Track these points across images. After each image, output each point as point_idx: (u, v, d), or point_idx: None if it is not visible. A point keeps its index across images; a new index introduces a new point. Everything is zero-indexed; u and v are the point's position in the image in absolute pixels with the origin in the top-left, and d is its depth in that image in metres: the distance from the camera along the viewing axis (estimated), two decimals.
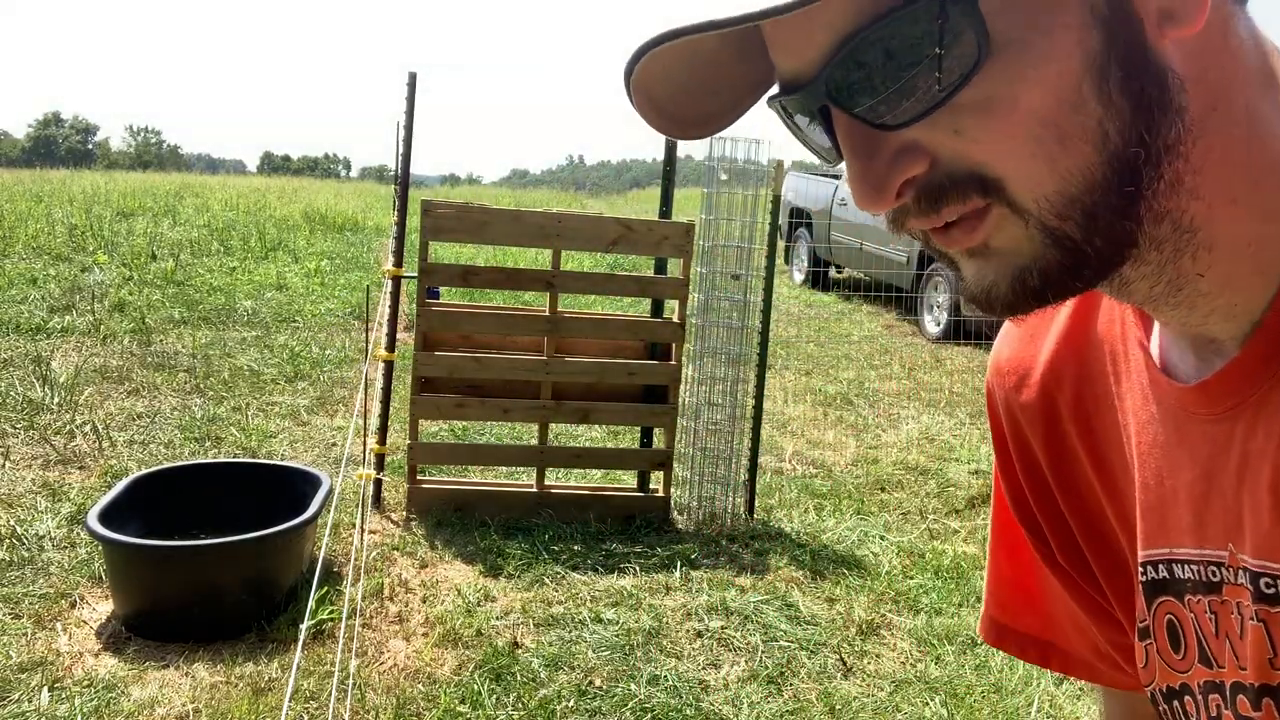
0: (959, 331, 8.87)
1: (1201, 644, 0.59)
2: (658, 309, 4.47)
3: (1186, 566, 0.59)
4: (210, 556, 3.14)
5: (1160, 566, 0.61)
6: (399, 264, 4.23)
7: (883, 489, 4.93)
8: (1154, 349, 0.60)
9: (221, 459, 4.54)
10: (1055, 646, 0.78)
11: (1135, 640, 0.66)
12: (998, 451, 0.76)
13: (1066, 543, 0.72)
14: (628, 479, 4.70)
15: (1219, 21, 0.46)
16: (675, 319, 4.31)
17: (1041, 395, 0.69)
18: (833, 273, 12.03)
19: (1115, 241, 0.47)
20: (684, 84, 0.52)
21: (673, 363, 4.31)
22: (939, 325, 9.16)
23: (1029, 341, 0.71)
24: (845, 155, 0.48)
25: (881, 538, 4.25)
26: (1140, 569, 0.63)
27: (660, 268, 4.46)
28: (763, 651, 3.24)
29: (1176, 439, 0.57)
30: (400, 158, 4.28)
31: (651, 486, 4.50)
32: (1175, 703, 0.62)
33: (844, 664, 3.19)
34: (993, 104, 0.44)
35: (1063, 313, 0.68)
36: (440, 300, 4.75)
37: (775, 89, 0.51)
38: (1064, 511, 0.70)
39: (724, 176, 4.27)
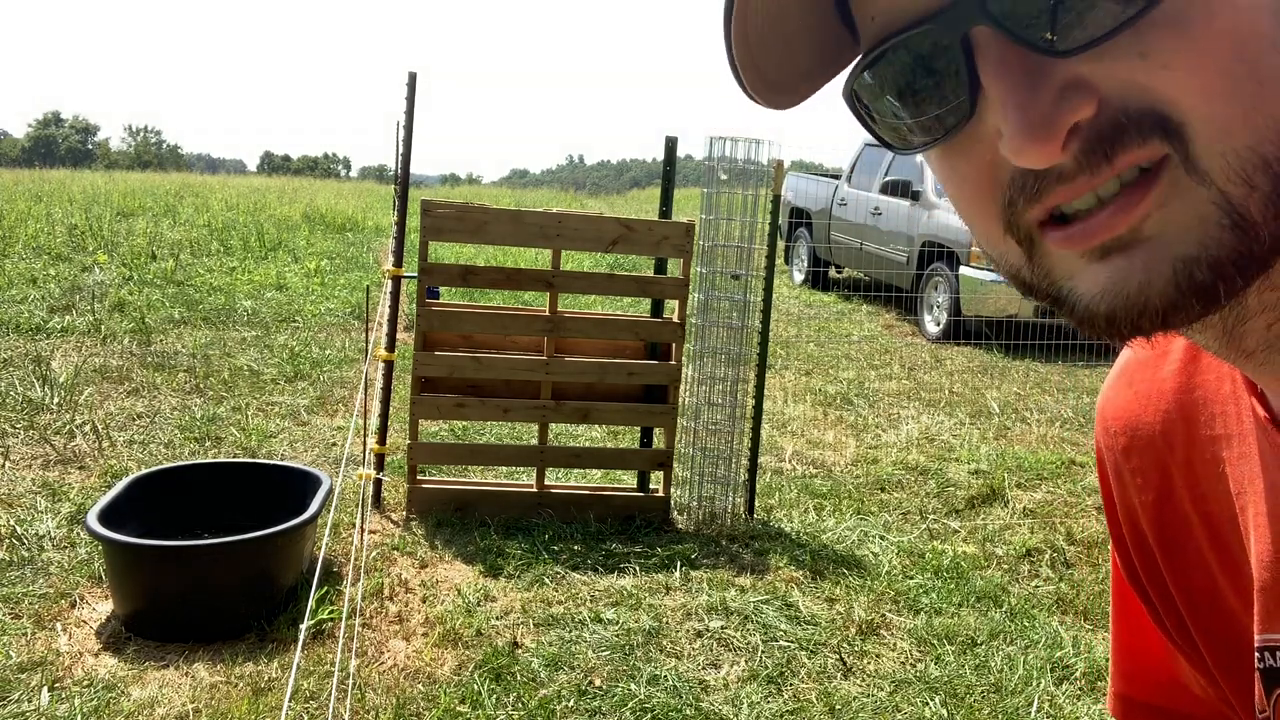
0: (959, 331, 8.87)
1: None
2: (658, 309, 4.47)
3: None
4: (210, 556, 3.14)
5: (1266, 654, 0.55)
6: (399, 264, 4.23)
7: (883, 489, 4.93)
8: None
9: (221, 459, 4.54)
10: (1185, 714, 0.72)
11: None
12: (1109, 517, 0.69)
13: (1175, 622, 0.65)
14: (628, 479, 4.70)
15: None
16: (675, 319, 4.31)
17: (1153, 459, 0.61)
18: (833, 273, 12.03)
19: None
20: (779, 40, 0.46)
21: (673, 363, 4.31)
22: (939, 325, 9.15)
23: (1132, 395, 0.62)
24: (999, 91, 0.40)
25: (881, 538, 4.25)
26: (1258, 654, 0.56)
27: (660, 268, 4.46)
28: (763, 651, 3.24)
29: None
30: (400, 158, 4.28)
31: (651, 486, 4.50)
32: None
33: (844, 664, 3.19)
34: (1189, 20, 0.38)
35: (1169, 362, 0.60)
36: (440, 300, 4.74)
37: (876, 41, 0.43)
38: (1170, 588, 0.64)
39: (724, 176, 4.27)
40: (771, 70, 0.47)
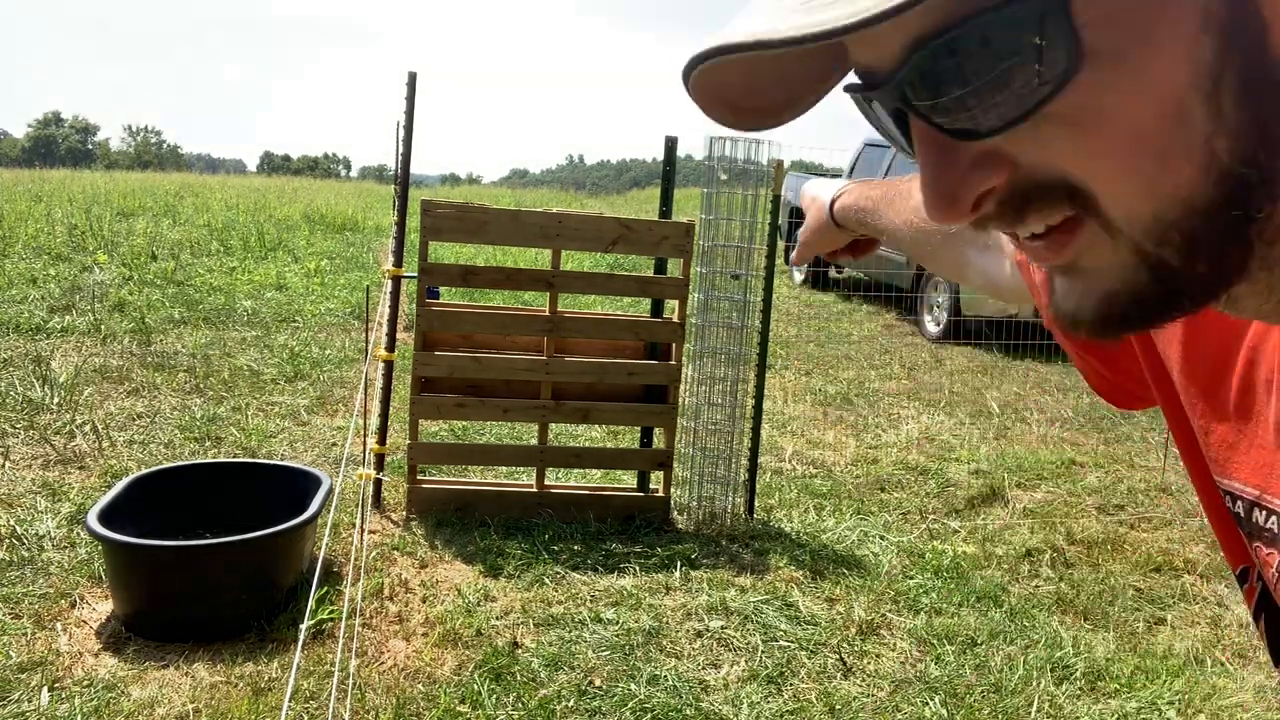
0: (959, 331, 8.87)
1: (1267, 590, 0.59)
2: (658, 309, 4.47)
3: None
4: (210, 556, 3.14)
5: (1227, 499, 0.61)
6: (399, 264, 4.23)
7: (883, 489, 4.93)
8: None
9: (221, 459, 4.54)
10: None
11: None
12: None
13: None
14: (628, 479, 4.70)
15: None
16: (675, 319, 4.31)
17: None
18: (833, 273, 12.03)
19: (1221, 267, 0.42)
20: (752, 74, 0.47)
21: (673, 363, 4.31)
22: (939, 325, 9.16)
23: None
24: (919, 162, 0.44)
25: (881, 538, 4.25)
26: (1229, 497, 0.62)
27: (660, 268, 4.46)
28: (763, 651, 3.24)
29: None
30: (400, 158, 4.28)
31: (651, 486, 4.50)
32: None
33: (844, 664, 3.19)
34: (1082, 117, 0.40)
35: None
36: (440, 300, 4.74)
37: (850, 78, 0.47)
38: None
39: (724, 176, 4.27)
40: (750, 103, 0.49)
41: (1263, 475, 0.58)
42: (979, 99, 0.40)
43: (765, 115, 0.49)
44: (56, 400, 5.39)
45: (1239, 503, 0.60)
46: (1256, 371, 0.58)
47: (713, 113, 0.48)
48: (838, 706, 2.95)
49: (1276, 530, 0.57)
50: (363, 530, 3.66)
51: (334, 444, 5.09)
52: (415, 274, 4.14)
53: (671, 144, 4.44)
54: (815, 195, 1.26)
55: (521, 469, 4.58)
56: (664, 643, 3.26)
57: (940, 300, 9.23)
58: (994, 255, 0.96)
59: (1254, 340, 0.59)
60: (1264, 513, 0.58)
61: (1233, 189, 0.40)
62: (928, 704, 2.99)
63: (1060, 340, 0.79)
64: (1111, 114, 0.39)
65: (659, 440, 4.47)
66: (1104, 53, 0.38)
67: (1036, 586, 3.88)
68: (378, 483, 4.22)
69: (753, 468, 4.46)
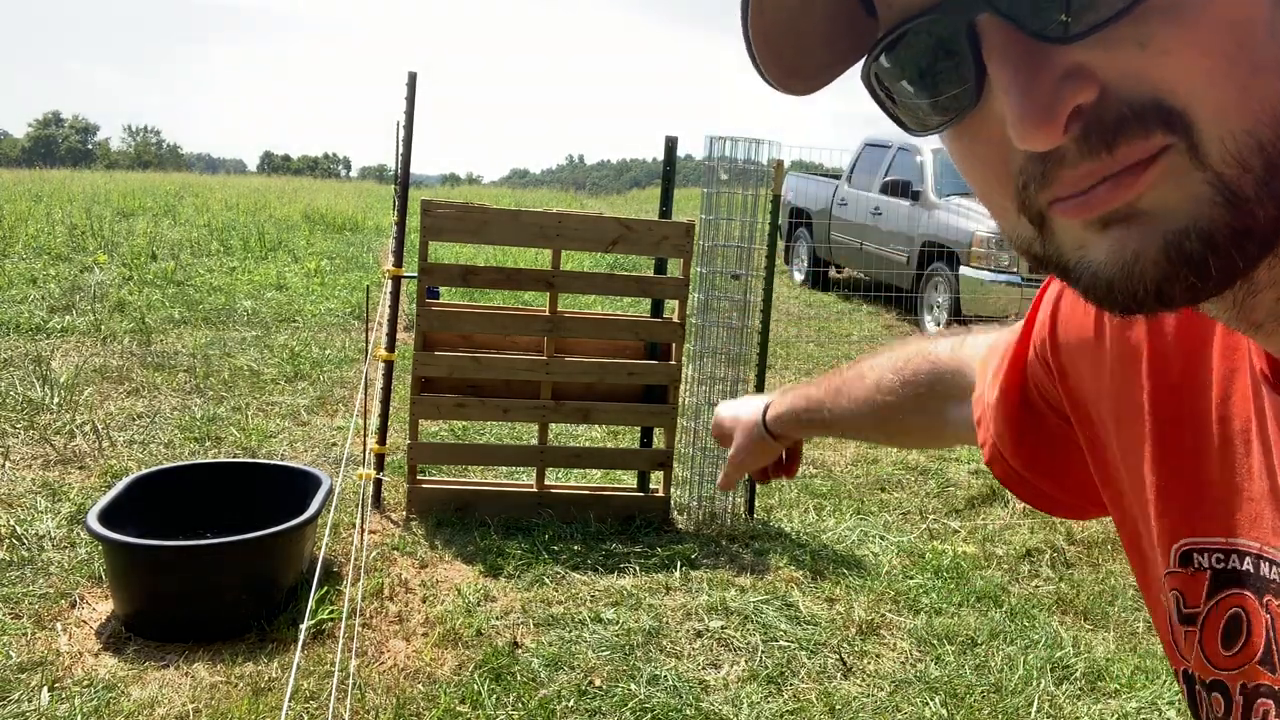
0: None
1: (1272, 647, 0.55)
2: (658, 309, 4.47)
3: (1273, 566, 0.55)
4: (210, 556, 3.14)
5: (1233, 557, 0.58)
6: (399, 264, 4.23)
7: (883, 489, 4.93)
8: None
9: (221, 459, 4.54)
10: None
11: (1170, 619, 0.63)
12: (1022, 343, 0.75)
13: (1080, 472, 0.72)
14: (628, 479, 4.70)
15: None
16: (675, 319, 4.31)
17: (1126, 350, 0.64)
18: (833, 273, 12.03)
19: None
20: (798, 30, 0.48)
21: (673, 363, 4.31)
22: (939, 325, 9.15)
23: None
24: (1002, 77, 0.41)
25: (881, 538, 4.25)
26: (1198, 553, 0.60)
27: (660, 268, 4.46)
28: (763, 651, 3.24)
29: None
30: (400, 158, 4.28)
31: (651, 486, 4.50)
32: (1209, 694, 0.59)
33: (844, 664, 3.19)
34: (1185, 6, 0.39)
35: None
36: (440, 300, 4.74)
37: (891, 26, 0.45)
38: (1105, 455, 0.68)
39: (724, 176, 4.27)
40: (793, 58, 0.49)
41: (1260, 529, 0.56)
42: None
43: (813, 76, 0.50)
44: (56, 400, 5.39)
45: (1246, 559, 0.57)
46: (1231, 427, 0.58)
47: (769, 71, 0.49)
48: (838, 706, 2.95)
49: None
50: (363, 530, 3.66)
51: (334, 444, 5.09)
52: (415, 274, 4.14)
53: (671, 144, 4.44)
54: (735, 415, 1.24)
55: (521, 469, 4.58)
56: (664, 643, 3.26)
57: (940, 300, 9.23)
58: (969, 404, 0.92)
59: (1219, 396, 0.58)
60: (1269, 565, 0.56)
61: None
62: (928, 704, 2.99)
63: (1001, 476, 0.82)
64: (1213, 3, 0.39)
65: (659, 440, 4.47)
66: None
67: (1036, 586, 3.88)
68: (378, 483, 4.22)
69: None
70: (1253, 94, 0.39)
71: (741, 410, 1.23)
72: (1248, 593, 0.56)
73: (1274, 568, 0.55)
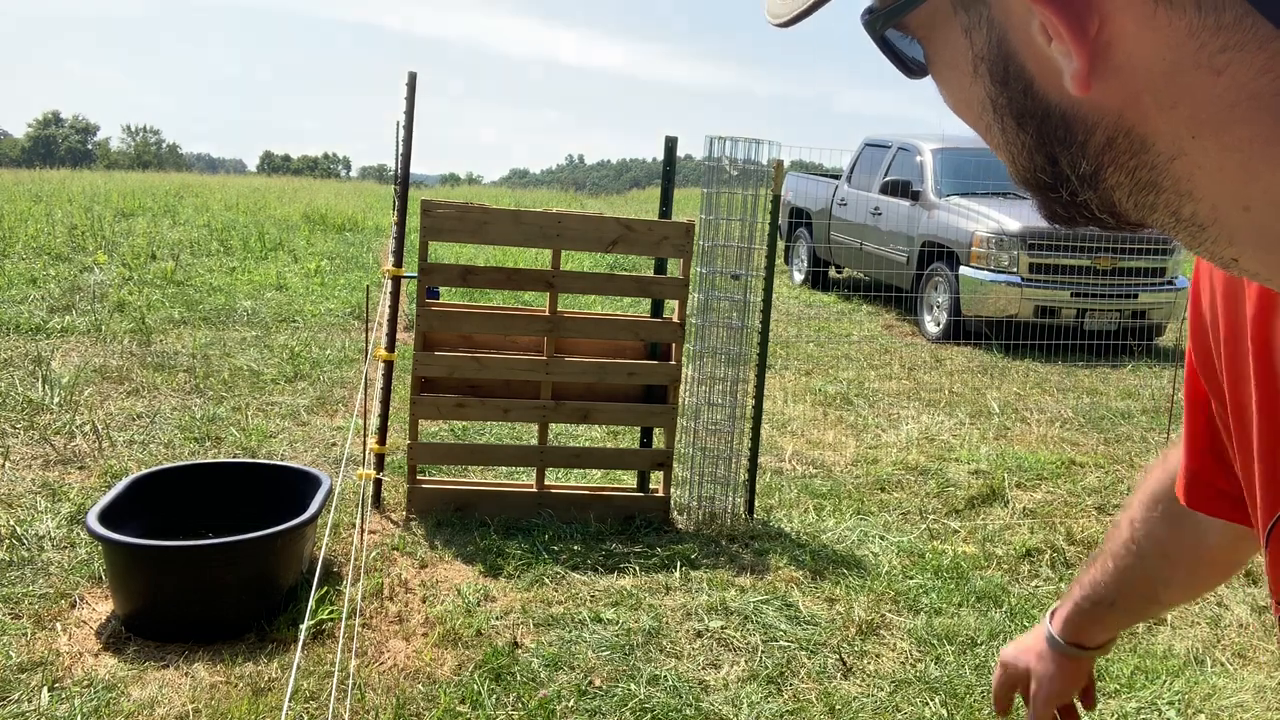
0: (959, 331, 8.87)
1: None
2: (658, 309, 4.47)
3: None
4: (210, 556, 3.14)
5: None
6: (399, 264, 4.23)
7: (883, 489, 4.93)
8: None
9: (221, 459, 4.54)
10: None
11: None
12: (1194, 314, 0.75)
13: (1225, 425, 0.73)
14: (628, 479, 4.70)
15: (1164, 65, 0.41)
16: (675, 319, 4.31)
17: (1234, 303, 0.67)
18: (833, 273, 12.03)
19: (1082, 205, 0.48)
20: None
21: (673, 363, 4.31)
22: (939, 325, 9.15)
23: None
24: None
25: (881, 538, 4.25)
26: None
27: (660, 268, 4.46)
28: (763, 651, 3.24)
29: None
30: (400, 158, 4.28)
31: (651, 486, 4.50)
32: None
33: (844, 664, 3.19)
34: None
35: None
36: (440, 300, 4.74)
37: None
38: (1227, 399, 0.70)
39: (735, 172, 4.27)
40: None
41: None
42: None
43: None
44: (56, 400, 5.39)
45: None
46: None
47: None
48: (838, 706, 2.95)
49: None
50: (363, 530, 3.66)
51: (334, 444, 5.09)
52: (415, 274, 4.14)
53: (671, 144, 4.44)
54: (1017, 648, 1.12)
55: (521, 469, 4.58)
56: (664, 643, 3.26)
57: (940, 300, 9.23)
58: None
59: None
60: None
61: (1046, 179, 0.47)
62: (928, 704, 2.99)
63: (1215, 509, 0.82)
64: (951, 101, 0.49)
65: (659, 440, 4.48)
66: (936, 63, 0.48)
67: (1036, 586, 3.88)
68: (378, 483, 4.22)
69: (753, 468, 4.46)
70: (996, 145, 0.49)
71: (1023, 641, 1.12)
72: None
73: None
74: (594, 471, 4.73)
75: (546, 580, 3.64)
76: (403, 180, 4.27)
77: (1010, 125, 0.46)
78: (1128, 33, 0.40)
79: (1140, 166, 0.44)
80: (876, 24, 0.48)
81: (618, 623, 3.36)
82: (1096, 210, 0.47)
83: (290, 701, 2.66)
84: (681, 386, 4.37)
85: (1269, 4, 0.37)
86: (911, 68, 0.49)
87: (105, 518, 3.11)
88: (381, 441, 4.28)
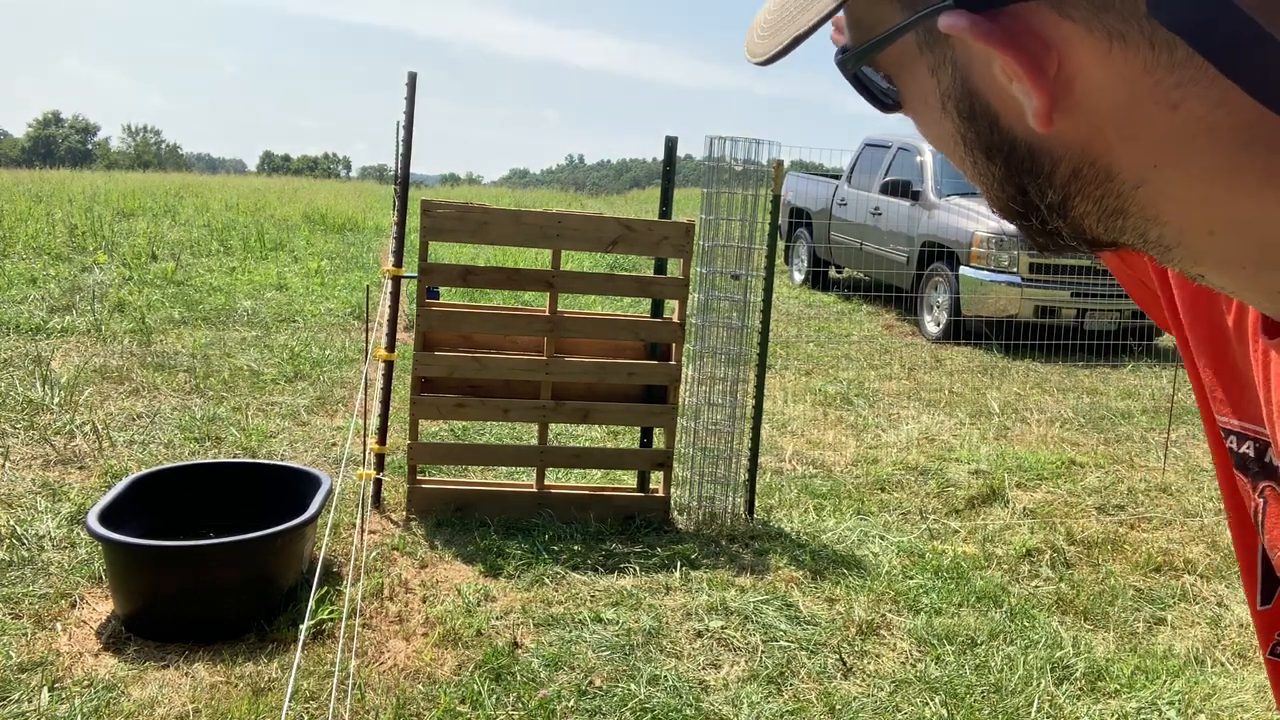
0: (959, 331, 8.87)
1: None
2: (658, 309, 4.47)
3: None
4: (210, 556, 3.14)
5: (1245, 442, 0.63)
6: (399, 264, 4.23)
7: (883, 489, 4.93)
8: None
9: (221, 459, 4.54)
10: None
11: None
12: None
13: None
14: (628, 479, 4.70)
15: (1123, 100, 0.42)
16: (675, 319, 4.31)
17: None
18: (833, 273, 12.03)
19: (1054, 232, 0.50)
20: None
21: (673, 363, 4.31)
22: (939, 325, 9.16)
23: None
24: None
25: (881, 538, 4.25)
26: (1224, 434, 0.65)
27: (660, 268, 4.46)
28: (763, 651, 3.24)
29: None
30: (400, 158, 4.28)
31: (651, 486, 4.50)
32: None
33: (844, 664, 3.19)
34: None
35: None
36: (440, 300, 4.74)
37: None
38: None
39: (739, 169, 4.27)
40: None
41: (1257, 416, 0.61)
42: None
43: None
44: (56, 400, 5.39)
45: (1249, 443, 0.62)
46: (1246, 315, 0.62)
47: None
48: (838, 706, 2.95)
49: None
50: (363, 530, 3.66)
51: (334, 444, 5.09)
52: (415, 274, 4.14)
53: (671, 144, 4.44)
54: None
55: (521, 469, 4.58)
56: (664, 643, 3.26)
57: (940, 300, 9.23)
58: None
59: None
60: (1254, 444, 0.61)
61: (1018, 208, 0.49)
62: (928, 704, 2.99)
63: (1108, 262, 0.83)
64: (926, 134, 0.52)
65: (659, 440, 4.48)
66: (908, 100, 0.50)
67: (1036, 586, 3.88)
68: (378, 483, 4.22)
69: (753, 468, 4.46)
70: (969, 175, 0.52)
71: None
72: (1243, 477, 0.62)
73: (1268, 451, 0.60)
74: (594, 471, 4.73)
75: (546, 580, 3.64)
76: (403, 180, 4.27)
77: (980, 158, 0.48)
78: (1086, 70, 0.41)
79: (1107, 195, 0.46)
80: (849, 64, 0.50)
81: (618, 623, 3.36)
82: (1067, 238, 0.49)
83: (290, 701, 2.66)
84: (681, 386, 4.37)
85: (1212, 49, 0.38)
86: (885, 103, 0.52)
87: (105, 518, 3.11)
88: (381, 441, 4.28)
